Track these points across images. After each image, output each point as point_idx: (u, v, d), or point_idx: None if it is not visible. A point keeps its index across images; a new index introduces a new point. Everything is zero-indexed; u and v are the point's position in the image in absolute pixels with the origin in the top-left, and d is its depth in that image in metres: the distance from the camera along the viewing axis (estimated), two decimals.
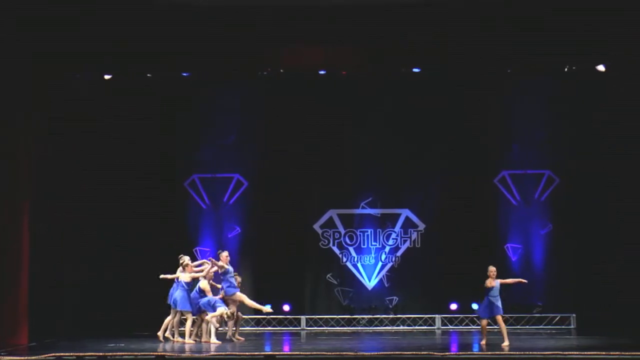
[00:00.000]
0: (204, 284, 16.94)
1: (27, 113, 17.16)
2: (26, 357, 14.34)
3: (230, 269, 17.00)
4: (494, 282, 15.76)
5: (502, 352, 14.98)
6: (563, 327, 19.55)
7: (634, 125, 18.65)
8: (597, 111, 19.28)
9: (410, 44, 17.42)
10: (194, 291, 16.98)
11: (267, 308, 17.48)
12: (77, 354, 14.62)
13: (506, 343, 15.65)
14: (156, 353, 14.79)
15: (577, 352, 14.62)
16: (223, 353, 14.75)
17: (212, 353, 14.80)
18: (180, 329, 16.99)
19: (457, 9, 16.48)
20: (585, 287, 19.25)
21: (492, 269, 15.87)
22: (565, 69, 18.65)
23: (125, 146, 19.80)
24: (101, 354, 14.55)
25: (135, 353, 14.84)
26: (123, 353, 14.76)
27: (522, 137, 20.24)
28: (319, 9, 16.62)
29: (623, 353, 14.16)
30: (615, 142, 19.09)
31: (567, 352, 14.60)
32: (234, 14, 16.75)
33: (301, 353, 15.07)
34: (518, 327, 19.39)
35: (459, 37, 17.01)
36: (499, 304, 15.76)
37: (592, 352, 14.48)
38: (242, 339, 17.08)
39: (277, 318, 19.70)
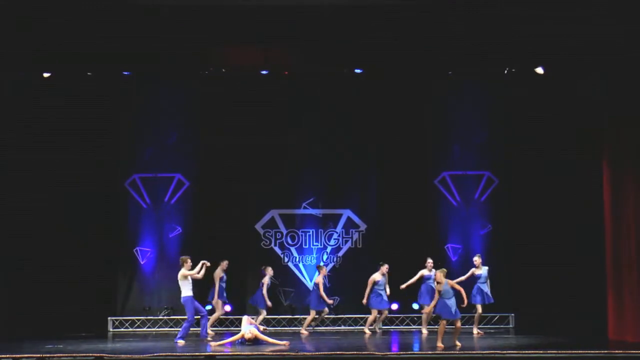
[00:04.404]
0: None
1: None
2: None
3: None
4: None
5: (442, 352, 15.11)
6: (502, 326, 19.77)
7: (571, 126, 19.00)
8: (535, 113, 19.52)
9: (352, 45, 17.48)
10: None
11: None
12: (13, 355, 14.39)
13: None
14: (95, 354, 14.63)
15: (516, 351, 14.81)
16: (163, 354, 14.64)
17: (152, 354, 14.66)
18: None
19: (397, 11, 16.59)
20: (524, 287, 19.48)
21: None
22: (505, 71, 18.85)
23: (65, 145, 19.54)
24: (39, 355, 14.34)
25: (74, 354, 14.67)
26: (61, 354, 14.58)
27: (462, 138, 20.42)
28: (261, 9, 16.61)
29: (560, 352, 14.38)
30: (553, 144, 19.41)
31: (505, 352, 14.79)
32: (175, 12, 16.66)
33: (242, 353, 15.05)
34: None
35: (400, 38, 17.12)
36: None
37: (530, 351, 14.68)
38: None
39: (219, 318, 19.58)
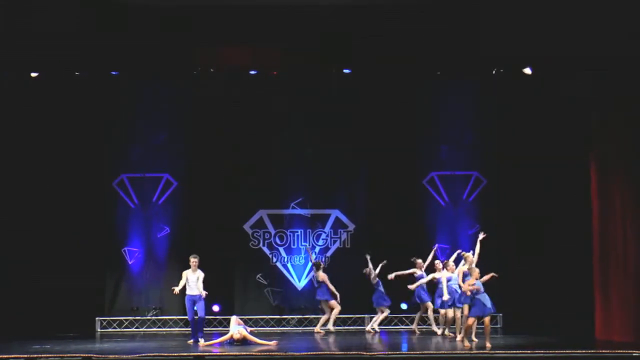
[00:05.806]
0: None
1: None
2: None
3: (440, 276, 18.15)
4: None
5: (430, 352, 15.13)
6: (490, 326, 19.76)
7: (559, 126, 19.05)
8: (523, 113, 19.57)
9: (340, 45, 17.48)
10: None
11: None
12: (1, 356, 14.35)
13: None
14: (83, 355, 14.61)
15: (504, 351, 14.85)
16: (151, 354, 14.62)
17: (140, 354, 14.64)
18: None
19: (386, 10, 16.62)
20: (512, 287, 19.48)
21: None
22: (493, 72, 18.88)
23: (53, 145, 19.51)
24: (26, 355, 14.31)
25: (62, 354, 14.63)
26: (49, 355, 14.54)
27: (450, 138, 20.45)
28: (250, 9, 16.62)
29: (548, 352, 14.43)
30: (541, 144, 19.46)
31: (493, 352, 14.82)
32: (165, 12, 16.64)
33: (231, 353, 15.05)
34: None
35: (389, 38, 17.13)
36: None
37: (518, 351, 14.73)
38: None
39: (206, 318, 19.54)
